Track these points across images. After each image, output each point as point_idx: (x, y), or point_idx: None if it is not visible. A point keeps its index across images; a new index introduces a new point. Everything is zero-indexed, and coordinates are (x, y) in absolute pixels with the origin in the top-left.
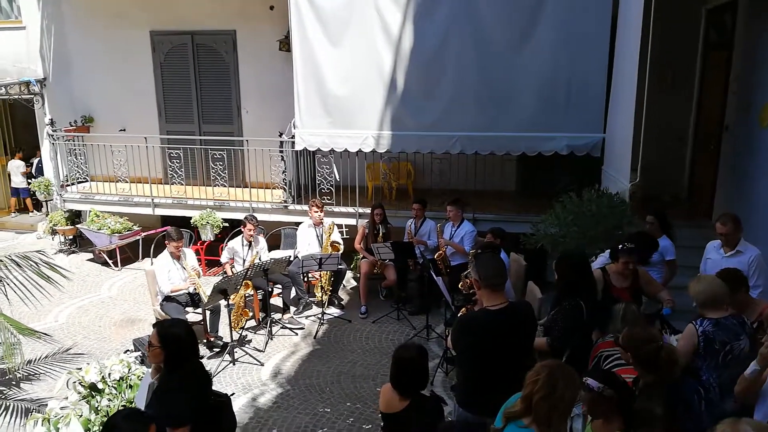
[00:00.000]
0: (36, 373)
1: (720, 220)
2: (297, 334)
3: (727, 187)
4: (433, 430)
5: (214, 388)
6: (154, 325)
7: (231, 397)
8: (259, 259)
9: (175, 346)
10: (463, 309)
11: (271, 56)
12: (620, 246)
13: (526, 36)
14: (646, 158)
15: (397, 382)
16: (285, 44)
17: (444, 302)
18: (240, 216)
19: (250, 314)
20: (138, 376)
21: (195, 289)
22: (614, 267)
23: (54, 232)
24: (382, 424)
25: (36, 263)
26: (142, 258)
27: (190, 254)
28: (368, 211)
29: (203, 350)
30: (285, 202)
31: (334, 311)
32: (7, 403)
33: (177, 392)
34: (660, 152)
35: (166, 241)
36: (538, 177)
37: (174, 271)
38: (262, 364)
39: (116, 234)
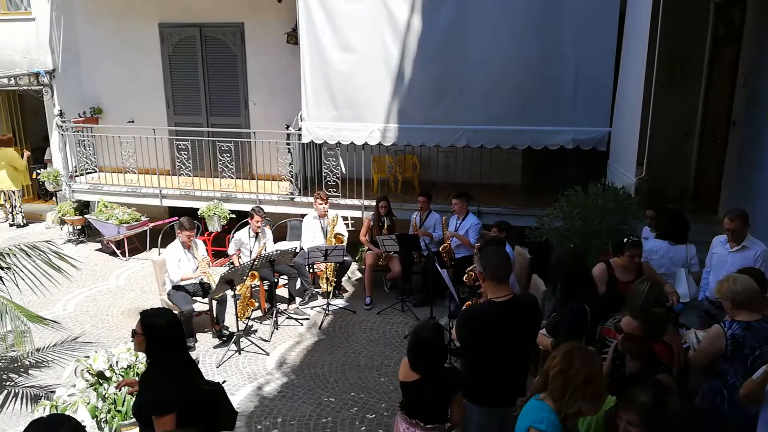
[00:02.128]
0: (45, 361)
1: (728, 216)
2: (302, 324)
3: (734, 182)
4: (447, 401)
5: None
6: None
7: (223, 384)
8: (266, 250)
9: (158, 335)
10: (468, 302)
11: (279, 49)
12: (625, 239)
13: (532, 29)
14: (652, 153)
15: (412, 359)
16: (293, 37)
17: (448, 294)
18: (247, 207)
19: (256, 304)
20: (145, 364)
21: (205, 278)
22: (619, 261)
23: (63, 222)
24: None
25: (45, 253)
26: (150, 248)
27: (200, 244)
28: (374, 203)
29: (212, 339)
30: (291, 194)
31: (338, 302)
32: (17, 390)
33: (160, 381)
34: (666, 147)
35: (179, 230)
36: (544, 171)
37: (184, 261)
38: (268, 354)
39: (124, 224)
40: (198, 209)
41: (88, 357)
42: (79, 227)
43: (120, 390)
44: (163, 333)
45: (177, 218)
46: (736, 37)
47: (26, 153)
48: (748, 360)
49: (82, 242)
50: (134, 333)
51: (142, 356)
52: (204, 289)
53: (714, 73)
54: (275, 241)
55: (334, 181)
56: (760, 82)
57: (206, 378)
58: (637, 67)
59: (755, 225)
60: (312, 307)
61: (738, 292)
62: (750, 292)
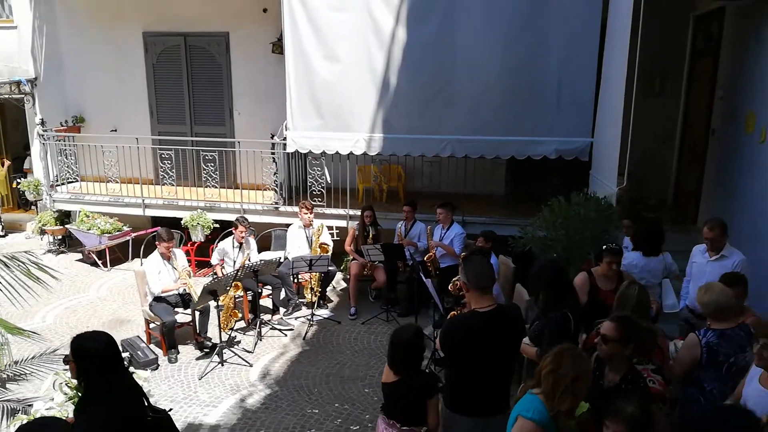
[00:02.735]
0: (23, 374)
1: (707, 225)
2: (286, 335)
3: (713, 192)
4: (424, 405)
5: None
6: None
7: (169, 412)
8: (250, 260)
9: (91, 360)
10: (453, 311)
11: (264, 58)
12: (605, 246)
13: (515, 41)
14: (633, 163)
15: (391, 359)
16: (278, 47)
17: (433, 304)
18: (231, 217)
19: (240, 315)
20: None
21: (186, 289)
22: (600, 270)
23: (43, 232)
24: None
25: (24, 263)
26: (132, 259)
27: (180, 255)
28: (359, 213)
29: (194, 350)
30: (276, 203)
31: (323, 312)
32: None
33: (94, 412)
34: (647, 157)
35: (157, 242)
36: (528, 180)
37: (164, 272)
38: (251, 365)
39: (106, 234)
40: (181, 219)
41: (67, 370)
42: (59, 237)
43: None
44: (97, 358)
45: (163, 227)
46: (715, 49)
47: (6, 162)
48: (723, 367)
49: (62, 252)
50: (66, 359)
51: None
52: (184, 300)
53: (693, 84)
54: (259, 250)
55: (319, 190)
56: (737, 94)
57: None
58: (618, 78)
59: (734, 234)
60: (296, 318)
61: (705, 303)
62: (716, 305)
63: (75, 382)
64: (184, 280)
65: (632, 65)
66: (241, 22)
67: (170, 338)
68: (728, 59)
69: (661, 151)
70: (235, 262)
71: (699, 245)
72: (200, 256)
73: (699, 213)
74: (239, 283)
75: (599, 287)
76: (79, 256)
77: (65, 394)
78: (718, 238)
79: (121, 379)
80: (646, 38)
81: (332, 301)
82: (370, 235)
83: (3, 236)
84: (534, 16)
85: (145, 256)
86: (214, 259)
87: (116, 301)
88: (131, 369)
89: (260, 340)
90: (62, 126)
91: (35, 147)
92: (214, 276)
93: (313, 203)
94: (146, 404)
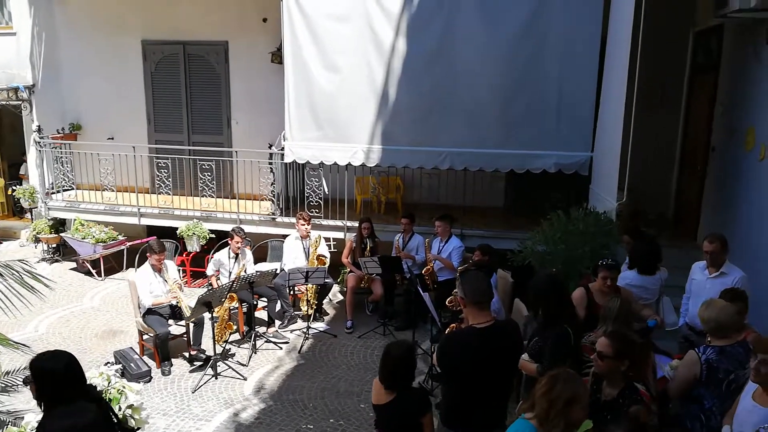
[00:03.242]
0: (14, 385)
1: (707, 239)
2: (281, 348)
3: (713, 208)
4: (419, 422)
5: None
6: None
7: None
8: (245, 271)
9: (50, 381)
10: (451, 326)
11: (263, 68)
12: (601, 261)
13: (515, 54)
14: (633, 178)
15: (384, 377)
16: (277, 56)
17: (430, 318)
18: (227, 227)
19: (234, 327)
20: (117, 390)
21: (177, 302)
22: (596, 285)
23: (37, 240)
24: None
25: (18, 272)
26: (127, 268)
27: (171, 266)
28: (356, 224)
29: (187, 363)
30: (273, 214)
31: (319, 325)
32: None
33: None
34: (647, 172)
35: (148, 254)
36: (527, 194)
37: (155, 284)
38: (245, 379)
39: (101, 243)
40: (177, 228)
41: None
42: (54, 246)
43: None
44: (56, 379)
45: (155, 238)
46: (715, 64)
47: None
48: (723, 384)
49: (56, 261)
50: (26, 381)
51: (114, 381)
52: (175, 312)
53: (693, 99)
54: (256, 261)
55: (316, 201)
56: (737, 110)
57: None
58: (617, 92)
59: (734, 251)
60: (292, 331)
61: (707, 320)
62: (716, 321)
63: None
64: (175, 293)
65: (632, 80)
66: (241, 31)
67: (164, 350)
68: (728, 75)
69: (661, 167)
70: (230, 273)
71: (698, 262)
72: (195, 267)
73: (699, 229)
74: (234, 295)
75: (596, 302)
76: (74, 264)
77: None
78: (717, 251)
79: (82, 402)
80: (646, 53)
81: (328, 313)
82: (368, 248)
83: None
84: (533, 29)
85: (140, 265)
86: (210, 270)
87: (110, 312)
88: (123, 381)
89: (255, 353)
90: (59, 133)
91: (31, 154)
92: (209, 287)
93: (311, 214)
94: (115, 421)
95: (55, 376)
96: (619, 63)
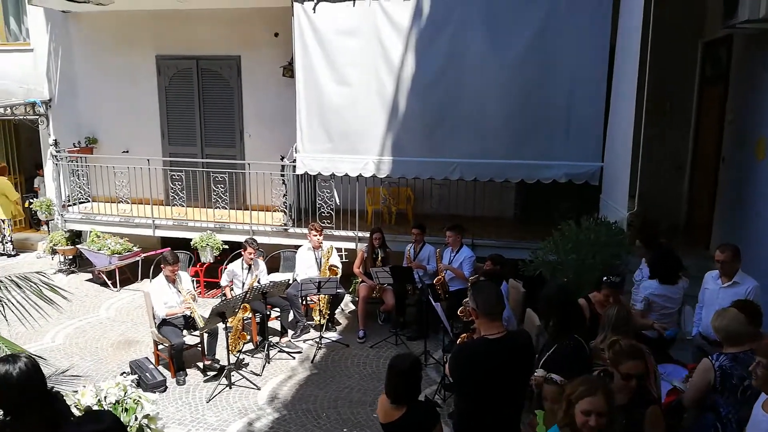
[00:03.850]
0: None
1: (719, 248)
2: (294, 358)
3: (725, 218)
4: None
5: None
6: None
7: None
8: (259, 282)
9: (7, 390)
10: (462, 336)
11: (275, 82)
12: (604, 278)
13: (524, 65)
14: (643, 187)
15: (391, 392)
16: (288, 70)
17: (442, 328)
18: (240, 238)
19: (248, 337)
20: (134, 400)
21: (190, 312)
22: (598, 296)
23: (54, 252)
24: None
25: (36, 284)
26: (142, 279)
27: (185, 277)
28: (368, 235)
29: (199, 374)
30: (285, 225)
31: (331, 335)
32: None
33: None
34: (658, 181)
35: (162, 265)
36: (537, 204)
37: (169, 295)
38: (259, 388)
39: (116, 255)
40: (191, 240)
41: (77, 392)
42: (70, 257)
43: None
44: (13, 388)
45: (169, 249)
46: (724, 75)
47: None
48: (738, 391)
49: (73, 272)
50: None
51: (130, 392)
52: (189, 323)
53: (703, 109)
54: (268, 272)
55: (328, 212)
56: (747, 120)
57: None
58: (627, 103)
59: (746, 261)
60: (305, 340)
61: (718, 329)
62: (729, 330)
63: (85, 403)
64: (188, 304)
65: (641, 90)
66: (253, 46)
67: (178, 360)
68: (737, 86)
69: (672, 176)
70: (243, 284)
71: (711, 271)
72: (209, 277)
73: (711, 238)
74: (248, 305)
75: (598, 313)
76: (90, 276)
77: (74, 416)
78: (729, 260)
79: (43, 411)
80: (655, 64)
81: (341, 323)
82: (379, 258)
83: (14, 255)
84: (542, 41)
85: (155, 276)
86: (224, 281)
87: (125, 322)
88: (139, 391)
89: (268, 362)
90: (75, 147)
91: (48, 167)
92: (223, 297)
93: (323, 225)
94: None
95: (11, 383)
96: (628, 73)
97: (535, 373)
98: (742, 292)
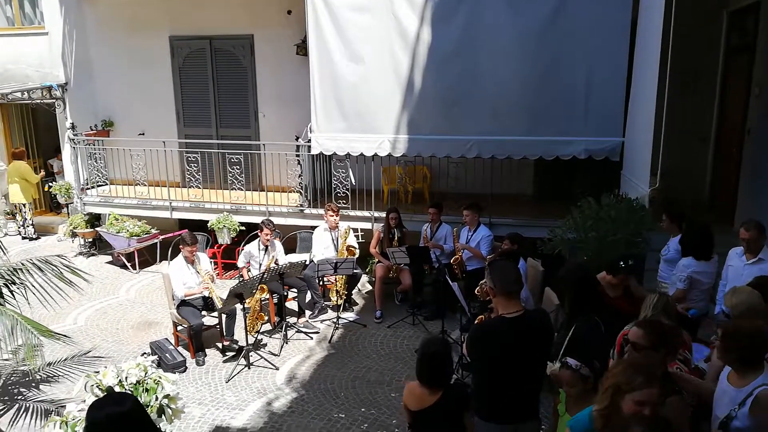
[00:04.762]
0: (55, 375)
1: (743, 226)
2: (312, 338)
3: (750, 192)
4: (462, 418)
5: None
6: None
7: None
8: (276, 263)
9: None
10: (480, 316)
11: (288, 60)
12: (621, 263)
13: (543, 40)
14: (666, 162)
15: (427, 377)
16: (302, 49)
17: (460, 307)
18: (256, 220)
19: (266, 318)
20: (154, 380)
21: (209, 293)
22: (607, 278)
23: (74, 235)
24: (408, 424)
25: (57, 267)
26: (160, 261)
27: (204, 258)
28: (384, 215)
29: (218, 354)
30: (301, 206)
31: (349, 315)
32: (27, 404)
33: None
34: (681, 156)
35: (181, 246)
36: (556, 181)
37: (188, 276)
38: (277, 369)
39: (134, 237)
40: (208, 221)
41: (98, 372)
42: (90, 240)
43: None
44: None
45: (187, 231)
46: (750, 45)
47: (41, 173)
48: None
49: (93, 255)
50: None
51: (151, 372)
52: (207, 304)
53: (728, 81)
54: (285, 253)
55: (343, 192)
56: None
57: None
58: (649, 76)
59: None
60: (322, 321)
61: (735, 305)
62: (746, 306)
63: (106, 383)
64: (207, 284)
65: (664, 63)
66: (266, 24)
67: (198, 341)
68: (764, 56)
69: (695, 151)
70: (260, 265)
71: (736, 248)
72: (226, 259)
73: (736, 214)
74: (265, 286)
75: (607, 294)
76: (109, 258)
77: (96, 396)
78: (754, 239)
79: None
80: (678, 35)
81: (358, 304)
82: (396, 238)
83: (36, 239)
84: (561, 14)
85: (173, 258)
86: (241, 262)
87: (145, 304)
88: (159, 371)
89: (286, 343)
90: (92, 130)
91: (66, 151)
92: (241, 279)
93: (339, 205)
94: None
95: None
96: (650, 46)
97: (552, 365)
98: (767, 268)
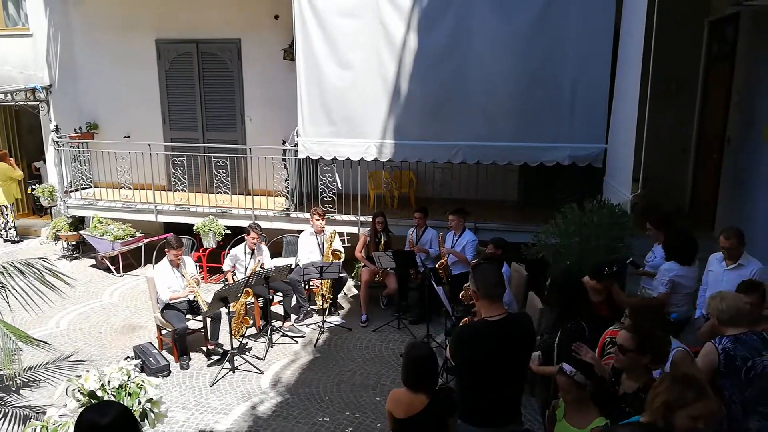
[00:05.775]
0: (36, 380)
1: (724, 234)
2: (297, 342)
3: (729, 199)
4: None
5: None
6: None
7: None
8: (263, 267)
9: None
10: (464, 319)
11: (275, 65)
12: (606, 270)
13: (528, 47)
14: (647, 169)
15: (414, 381)
16: (289, 53)
17: (444, 312)
18: (242, 223)
19: (251, 322)
20: (137, 384)
21: (194, 297)
22: (591, 283)
23: (57, 238)
24: (392, 430)
25: (39, 270)
26: (145, 264)
27: (189, 262)
28: (370, 219)
29: (205, 357)
30: (287, 209)
31: (334, 319)
32: (6, 410)
33: None
34: (662, 163)
35: (166, 249)
36: (540, 187)
37: (173, 279)
38: (262, 372)
39: (119, 240)
40: (193, 225)
41: (80, 376)
42: (73, 243)
43: None
44: None
45: (172, 234)
46: (730, 54)
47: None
48: (742, 372)
49: (76, 258)
50: None
51: (134, 376)
52: (192, 307)
53: (709, 90)
54: (271, 257)
55: (330, 196)
56: (753, 100)
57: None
58: (631, 84)
59: (751, 243)
60: (307, 325)
61: (723, 310)
62: (734, 310)
63: (88, 388)
64: (192, 288)
65: (646, 71)
66: (253, 28)
67: (182, 345)
68: (744, 65)
69: (676, 158)
70: (246, 268)
71: (716, 254)
72: (212, 262)
73: (716, 220)
74: (250, 290)
75: (590, 299)
76: (93, 261)
77: (78, 400)
78: (734, 246)
79: None
80: (660, 44)
81: (343, 308)
82: (382, 242)
83: (18, 242)
84: (546, 22)
85: (158, 261)
86: (226, 266)
87: (129, 307)
88: (143, 375)
89: (271, 347)
90: (76, 132)
91: (50, 153)
92: (226, 282)
93: (325, 209)
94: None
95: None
96: (632, 54)
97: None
98: (746, 274)
